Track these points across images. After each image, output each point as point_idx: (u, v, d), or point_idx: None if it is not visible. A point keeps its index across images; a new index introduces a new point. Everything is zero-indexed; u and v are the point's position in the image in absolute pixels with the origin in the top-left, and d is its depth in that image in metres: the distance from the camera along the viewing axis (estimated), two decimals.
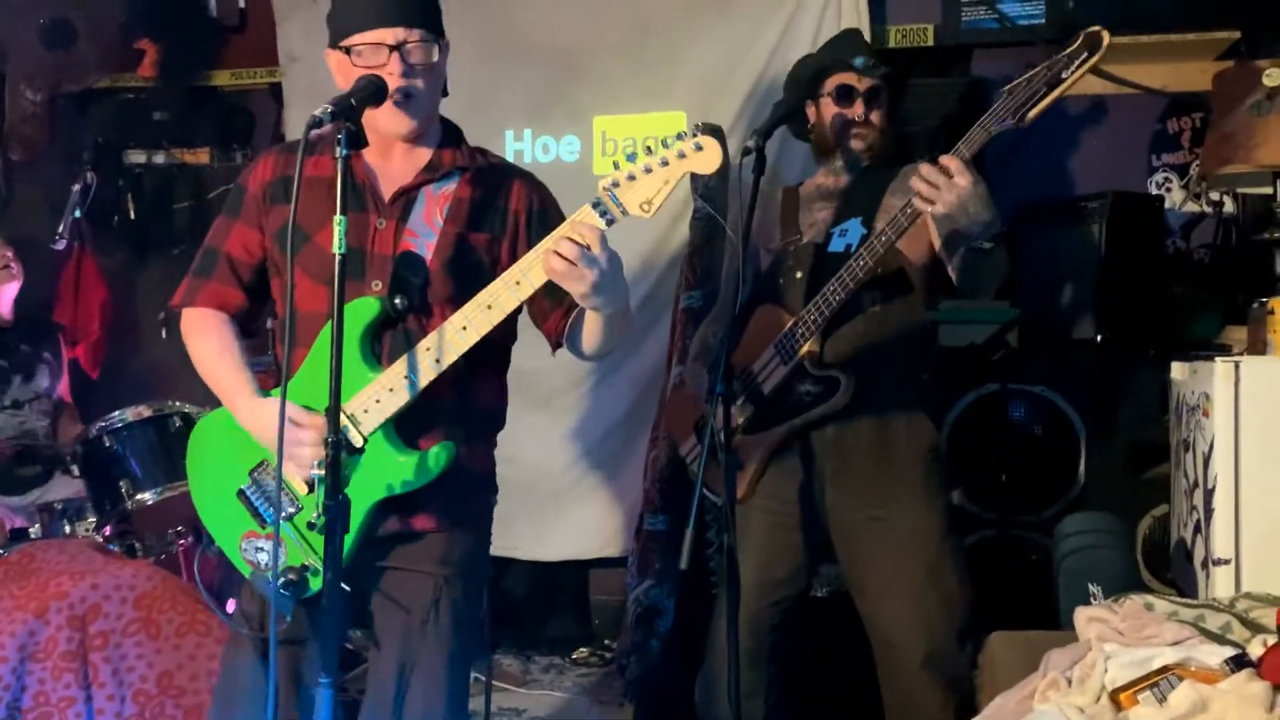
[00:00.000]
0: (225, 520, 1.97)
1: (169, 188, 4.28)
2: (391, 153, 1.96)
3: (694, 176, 3.35)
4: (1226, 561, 2.33)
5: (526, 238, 1.97)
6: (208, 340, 1.99)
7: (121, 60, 4.13)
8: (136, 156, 4.27)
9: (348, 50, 1.87)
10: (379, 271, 1.90)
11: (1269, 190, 2.93)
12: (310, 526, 1.78)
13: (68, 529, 3.04)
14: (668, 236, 3.69)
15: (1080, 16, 2.17)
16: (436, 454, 1.85)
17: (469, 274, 1.90)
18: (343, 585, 1.70)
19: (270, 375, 2.23)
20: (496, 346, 1.97)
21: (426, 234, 1.92)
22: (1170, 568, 2.89)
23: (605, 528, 3.79)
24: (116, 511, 3.00)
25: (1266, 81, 2.75)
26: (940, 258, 2.46)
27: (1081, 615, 2.04)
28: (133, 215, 4.25)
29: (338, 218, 1.68)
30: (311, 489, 1.82)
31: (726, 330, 2.33)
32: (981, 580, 2.54)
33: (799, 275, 2.53)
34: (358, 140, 1.73)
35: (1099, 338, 3.06)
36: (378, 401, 1.84)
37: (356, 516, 1.80)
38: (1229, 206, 3.52)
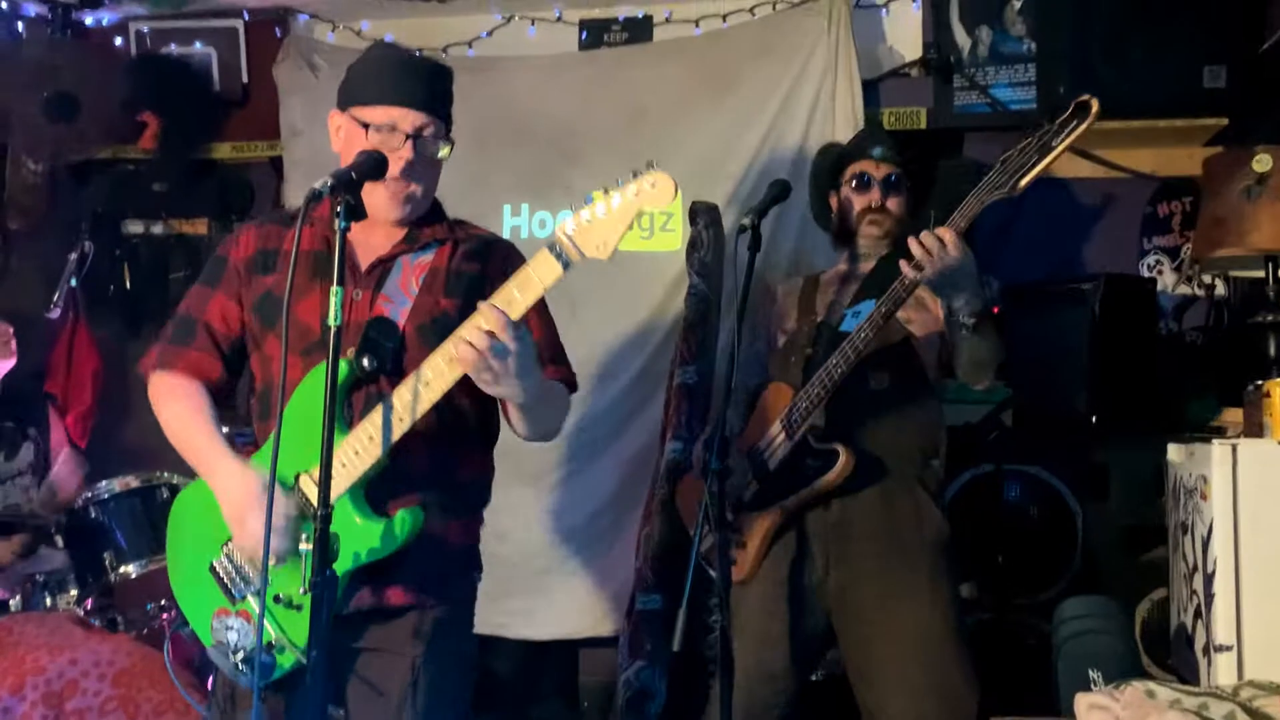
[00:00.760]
0: (198, 597, 1.93)
1: (165, 258, 4.28)
2: (373, 225, 1.96)
3: (689, 254, 3.44)
4: (1229, 648, 2.29)
5: None
6: (181, 404, 1.96)
7: (123, 132, 4.17)
8: (134, 227, 4.29)
9: (365, 124, 1.88)
10: (354, 340, 1.88)
11: (1261, 274, 2.96)
12: (276, 600, 1.75)
13: (49, 601, 2.98)
14: (660, 312, 3.70)
15: (1071, 102, 2.20)
16: (402, 519, 1.81)
17: (443, 339, 1.88)
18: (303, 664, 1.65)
19: (253, 448, 2.20)
20: (476, 418, 1.96)
21: (401, 300, 1.92)
22: (1171, 653, 2.84)
23: (595, 607, 3.73)
24: (99, 584, 2.95)
25: (1256, 166, 2.78)
26: (946, 338, 2.47)
27: (1082, 702, 2.00)
28: (128, 285, 4.26)
29: (335, 289, 1.68)
30: (280, 561, 1.78)
31: (721, 405, 2.32)
32: (978, 664, 2.50)
33: (808, 352, 2.54)
34: (356, 213, 1.74)
35: (1093, 418, 3.06)
36: (343, 466, 1.80)
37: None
38: (1221, 289, 3.56)
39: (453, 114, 2.00)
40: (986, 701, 2.41)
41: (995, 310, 2.47)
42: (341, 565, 1.79)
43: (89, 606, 2.88)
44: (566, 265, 1.75)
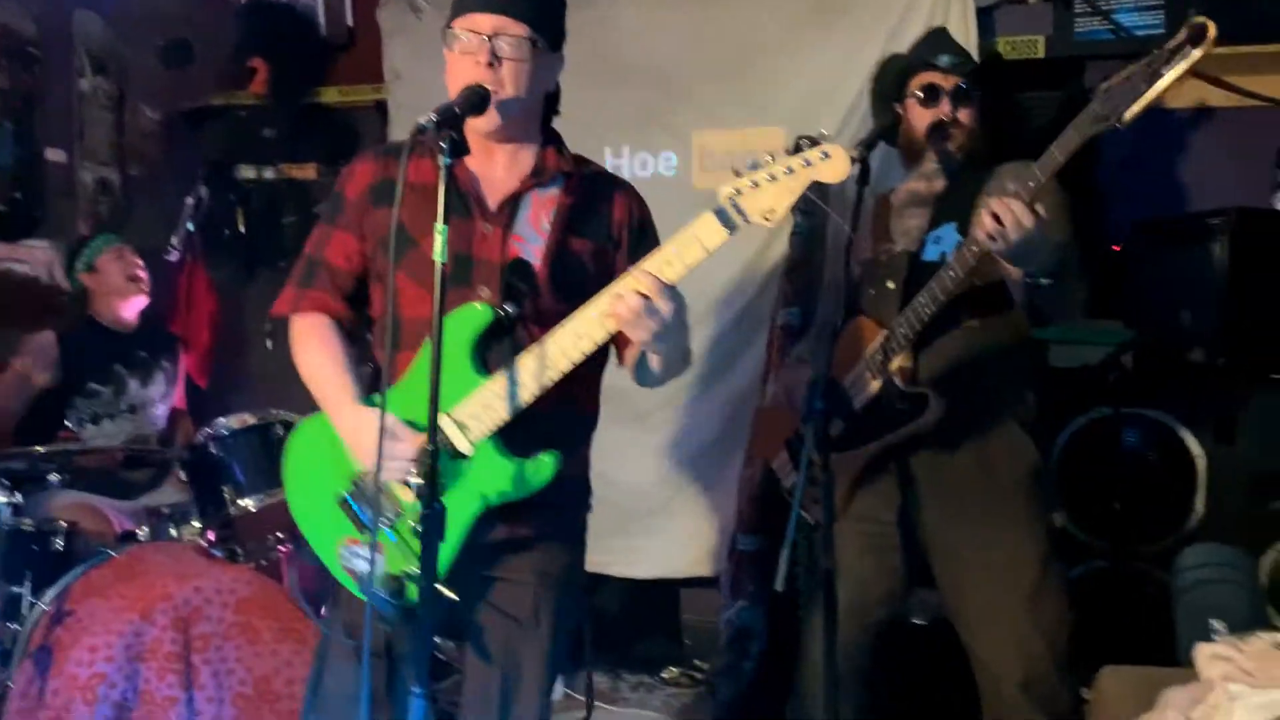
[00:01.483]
0: (322, 526, 1.97)
1: (277, 203, 4.40)
2: (493, 157, 1.95)
3: None
4: None
5: (628, 250, 1.95)
6: (316, 346, 1.99)
7: (234, 78, 4.26)
8: (247, 172, 4.40)
9: (453, 41, 1.86)
10: (485, 278, 1.88)
11: None
12: (415, 532, 1.78)
13: (173, 533, 3.11)
14: (764, 252, 3.64)
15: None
16: (542, 464, 1.84)
17: (576, 281, 1.89)
18: (449, 594, 1.69)
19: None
20: (595, 356, 1.96)
21: (534, 239, 1.91)
22: None
23: (697, 547, 3.75)
24: (220, 517, 3.06)
25: None
26: None
27: (1204, 653, 1.94)
28: (242, 229, 4.38)
29: (439, 226, 1.65)
30: (418, 496, 1.82)
31: (826, 346, 2.27)
32: (1091, 612, 2.44)
33: (891, 285, 2.44)
34: (460, 148, 1.72)
35: (1220, 360, 2.92)
36: (486, 408, 1.83)
37: (461, 524, 1.79)
38: None
39: (562, 30, 1.97)
40: (1103, 650, 2.37)
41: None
42: (475, 505, 1.83)
43: (211, 539, 2.99)
44: (732, 230, 1.74)
